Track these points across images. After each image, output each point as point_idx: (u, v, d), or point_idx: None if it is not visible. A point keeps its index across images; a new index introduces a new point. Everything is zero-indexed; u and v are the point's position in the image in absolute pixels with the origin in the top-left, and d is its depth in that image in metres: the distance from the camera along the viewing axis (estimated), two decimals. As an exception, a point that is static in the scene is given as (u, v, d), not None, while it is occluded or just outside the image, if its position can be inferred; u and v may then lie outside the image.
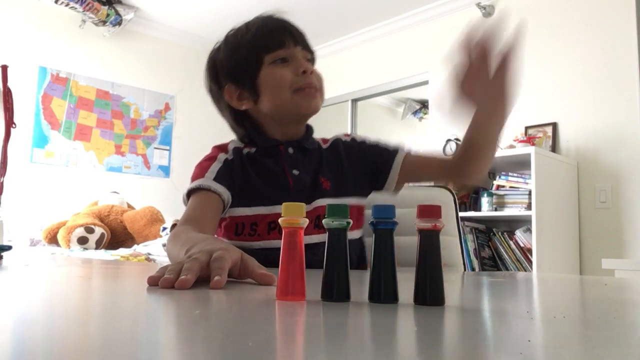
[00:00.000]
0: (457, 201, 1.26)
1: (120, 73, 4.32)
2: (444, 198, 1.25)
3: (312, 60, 1.08)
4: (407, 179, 1.09)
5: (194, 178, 1.00)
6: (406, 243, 1.16)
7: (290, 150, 1.08)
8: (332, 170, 1.09)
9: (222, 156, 1.05)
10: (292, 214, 0.48)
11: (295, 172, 1.06)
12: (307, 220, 0.49)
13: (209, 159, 1.04)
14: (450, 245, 1.22)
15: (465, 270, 1.25)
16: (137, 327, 0.33)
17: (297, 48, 1.04)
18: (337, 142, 1.15)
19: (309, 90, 1.02)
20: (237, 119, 1.09)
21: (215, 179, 0.98)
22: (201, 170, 1.01)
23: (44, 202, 3.77)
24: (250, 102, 1.05)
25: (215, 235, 1.01)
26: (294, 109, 1.04)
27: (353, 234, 1.06)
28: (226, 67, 1.07)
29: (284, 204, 0.49)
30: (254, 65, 1.03)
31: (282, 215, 0.49)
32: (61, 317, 0.35)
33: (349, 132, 1.23)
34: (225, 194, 0.98)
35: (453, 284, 0.72)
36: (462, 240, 1.25)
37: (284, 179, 1.06)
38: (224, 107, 1.10)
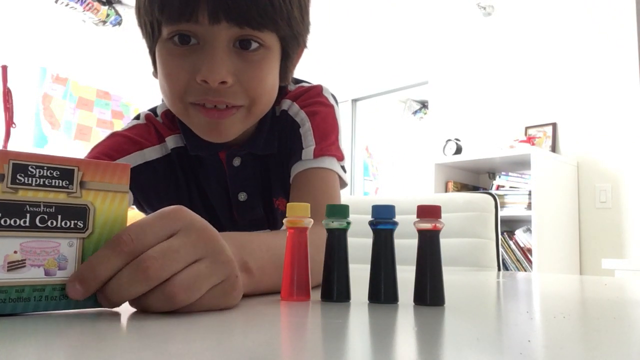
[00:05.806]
0: (498, 206, 1.32)
1: (120, 73, 4.32)
2: (485, 203, 1.30)
3: (267, 45, 0.64)
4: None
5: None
6: (453, 244, 1.26)
7: (236, 162, 0.76)
8: (284, 174, 0.77)
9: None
10: (296, 214, 0.48)
11: (243, 196, 0.77)
12: (311, 220, 0.48)
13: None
14: (486, 247, 1.27)
15: (499, 270, 1.26)
16: (136, 327, 0.33)
17: (220, 26, 0.60)
18: (285, 119, 0.77)
19: (210, 112, 0.65)
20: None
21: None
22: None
23: (44, 202, 3.77)
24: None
25: None
26: (192, 126, 0.69)
27: None
28: (136, 13, 0.69)
29: (288, 204, 0.48)
30: (151, 32, 0.67)
31: (286, 215, 0.48)
32: (60, 316, 0.35)
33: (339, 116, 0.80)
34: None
35: (453, 283, 0.72)
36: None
37: (225, 208, 0.77)
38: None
